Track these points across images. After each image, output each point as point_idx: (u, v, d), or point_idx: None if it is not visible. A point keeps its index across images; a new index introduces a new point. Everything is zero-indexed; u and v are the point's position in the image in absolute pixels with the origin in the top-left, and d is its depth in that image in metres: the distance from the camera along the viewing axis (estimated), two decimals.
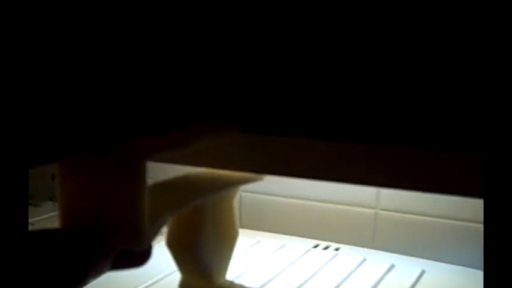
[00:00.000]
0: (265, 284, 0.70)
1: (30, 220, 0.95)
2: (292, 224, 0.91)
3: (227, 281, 0.46)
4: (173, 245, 0.43)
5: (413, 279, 0.73)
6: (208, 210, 0.41)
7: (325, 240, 0.85)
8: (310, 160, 0.41)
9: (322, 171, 0.41)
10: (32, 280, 0.29)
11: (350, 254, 0.80)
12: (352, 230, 0.88)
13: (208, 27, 0.41)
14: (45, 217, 1.00)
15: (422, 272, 0.75)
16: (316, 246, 0.83)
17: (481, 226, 0.81)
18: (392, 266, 0.76)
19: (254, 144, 0.42)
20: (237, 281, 0.68)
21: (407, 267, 0.76)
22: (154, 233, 0.35)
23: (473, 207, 0.81)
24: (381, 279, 0.73)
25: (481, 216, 0.80)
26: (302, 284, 0.70)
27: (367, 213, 0.88)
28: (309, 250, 0.82)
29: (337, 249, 0.82)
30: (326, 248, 0.83)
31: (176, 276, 0.70)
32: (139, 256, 0.34)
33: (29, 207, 1.01)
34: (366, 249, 0.83)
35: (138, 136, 0.37)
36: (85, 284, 0.32)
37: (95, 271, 0.33)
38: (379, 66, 0.38)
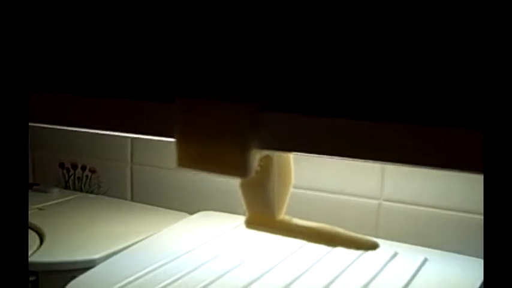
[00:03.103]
0: (277, 264, 0.73)
1: (39, 205, 0.97)
2: (298, 213, 0.92)
3: (286, 216, 0.56)
4: (246, 186, 0.53)
5: (416, 266, 0.74)
6: (274, 160, 0.51)
7: None
8: (319, 136, 0.43)
9: (331, 147, 0.43)
10: None
11: None
12: (355, 220, 0.90)
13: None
14: (55, 202, 1.01)
15: (425, 260, 0.77)
16: None
17: (482, 217, 0.83)
18: (395, 254, 0.78)
19: (272, 122, 0.44)
20: (251, 261, 0.74)
21: (410, 255, 0.78)
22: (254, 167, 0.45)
23: (474, 198, 0.83)
24: (385, 266, 0.74)
25: (482, 207, 0.82)
26: (307, 269, 0.72)
27: (371, 204, 0.89)
28: None
29: None
30: None
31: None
32: None
33: (38, 193, 1.03)
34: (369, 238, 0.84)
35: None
36: None
37: None
38: (383, 45, 0.40)
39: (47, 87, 0.51)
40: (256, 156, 0.44)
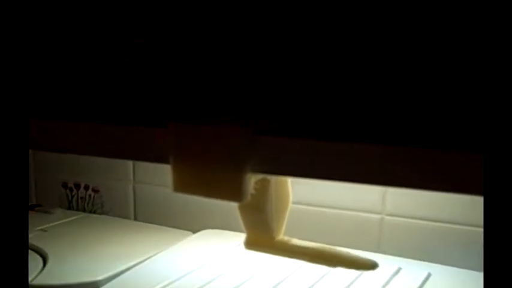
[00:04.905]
0: (281, 282, 0.73)
1: (42, 227, 0.97)
2: (299, 229, 0.92)
3: (285, 237, 0.57)
4: (244, 208, 0.54)
5: (419, 281, 0.74)
6: (272, 182, 0.51)
7: (332, 245, 0.86)
8: (319, 161, 0.43)
9: (328, 171, 0.43)
10: None
11: None
12: (358, 235, 0.90)
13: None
14: (58, 223, 1.01)
15: (429, 275, 0.76)
16: None
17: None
18: (398, 270, 0.78)
19: (266, 146, 0.44)
20: (254, 280, 0.74)
21: (414, 270, 0.78)
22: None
23: (478, 212, 0.82)
24: (388, 282, 0.74)
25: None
26: (312, 285, 0.72)
27: (373, 219, 0.89)
28: None
29: None
30: None
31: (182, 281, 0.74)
32: None
33: (41, 215, 1.03)
34: (372, 253, 0.84)
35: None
36: None
37: None
38: (381, 68, 0.40)
39: (40, 114, 0.51)
40: (252, 180, 0.44)
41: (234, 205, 0.94)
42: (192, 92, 0.46)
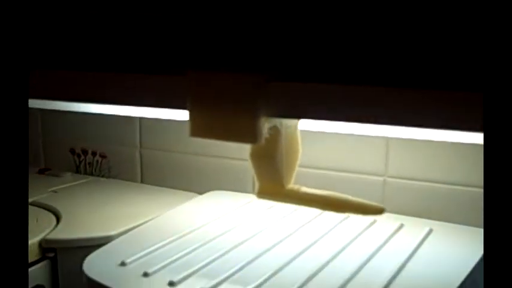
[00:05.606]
0: (287, 237, 0.76)
1: (53, 188, 1.00)
2: None
3: (295, 185, 0.58)
4: (256, 157, 0.55)
5: (421, 236, 0.76)
6: (282, 131, 0.53)
7: None
8: (323, 102, 0.46)
9: (337, 113, 0.46)
10: None
11: (360, 216, 0.83)
12: (361, 197, 0.92)
13: None
14: (68, 186, 1.04)
15: (430, 231, 0.79)
16: None
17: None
18: (401, 226, 0.80)
19: (278, 91, 0.46)
20: (263, 233, 0.77)
21: (416, 226, 0.80)
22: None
23: (479, 173, 0.84)
24: (391, 236, 0.77)
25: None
26: (317, 240, 0.74)
27: (376, 181, 0.91)
28: (321, 213, 0.85)
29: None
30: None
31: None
32: None
33: (51, 178, 1.05)
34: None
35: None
36: None
37: None
38: (382, 11, 0.43)
39: (63, 64, 0.53)
40: (265, 125, 0.47)
41: (238, 169, 0.96)
42: (210, 41, 0.48)
